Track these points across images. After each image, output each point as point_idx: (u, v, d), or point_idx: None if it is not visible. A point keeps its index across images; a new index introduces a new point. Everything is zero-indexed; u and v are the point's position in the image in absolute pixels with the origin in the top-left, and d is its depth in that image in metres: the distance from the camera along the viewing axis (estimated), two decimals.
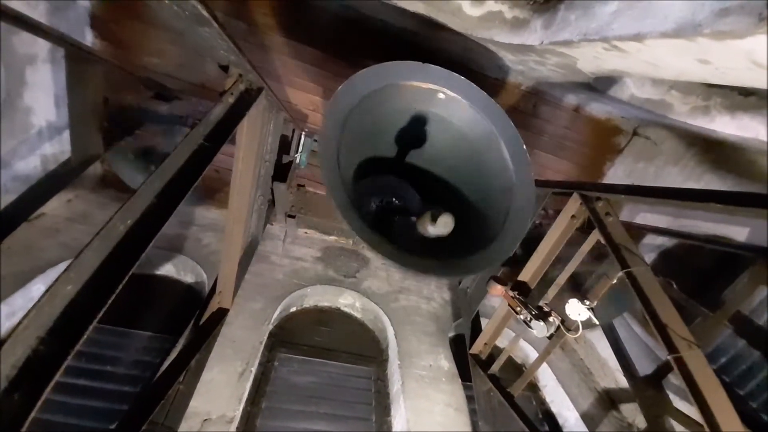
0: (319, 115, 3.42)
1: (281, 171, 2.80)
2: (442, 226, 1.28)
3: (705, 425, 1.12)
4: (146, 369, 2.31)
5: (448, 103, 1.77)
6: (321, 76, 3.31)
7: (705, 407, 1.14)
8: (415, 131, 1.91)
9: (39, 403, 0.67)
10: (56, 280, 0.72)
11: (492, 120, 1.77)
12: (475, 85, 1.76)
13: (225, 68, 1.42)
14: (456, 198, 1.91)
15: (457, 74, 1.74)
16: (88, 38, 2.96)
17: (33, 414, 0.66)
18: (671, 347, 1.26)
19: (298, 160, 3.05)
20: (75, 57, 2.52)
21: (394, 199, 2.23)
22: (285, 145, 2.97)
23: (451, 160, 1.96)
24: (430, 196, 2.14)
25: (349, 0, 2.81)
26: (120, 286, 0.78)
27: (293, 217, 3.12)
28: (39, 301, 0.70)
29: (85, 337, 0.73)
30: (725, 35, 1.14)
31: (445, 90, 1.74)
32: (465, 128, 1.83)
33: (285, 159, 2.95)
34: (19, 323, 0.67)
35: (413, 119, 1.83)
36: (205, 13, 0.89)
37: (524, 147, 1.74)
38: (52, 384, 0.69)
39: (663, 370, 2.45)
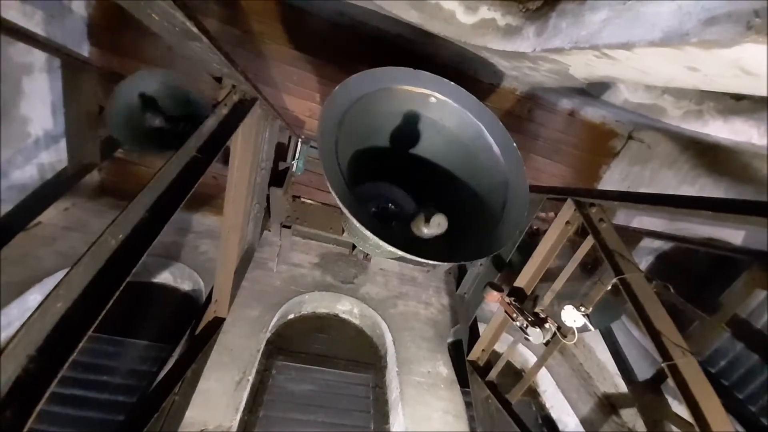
0: (316, 121, 3.43)
1: (278, 177, 2.80)
2: (435, 226, 1.29)
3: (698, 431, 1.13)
4: (142, 378, 2.30)
5: (439, 106, 1.83)
6: (317, 83, 3.33)
7: (698, 414, 1.14)
8: (408, 134, 1.95)
9: (30, 420, 0.67)
10: (46, 297, 0.72)
11: (482, 121, 1.83)
12: (464, 90, 1.82)
13: (218, 79, 1.43)
14: (452, 197, 1.96)
15: (446, 80, 1.80)
16: (85, 47, 2.97)
17: (25, 430, 0.66)
18: (665, 354, 1.26)
19: (294, 167, 3.05)
20: (71, 66, 2.53)
21: (390, 205, 2.24)
22: (282, 151, 2.98)
23: (445, 161, 2.02)
24: (426, 198, 2.17)
25: (345, 7, 2.83)
26: (110, 302, 0.78)
27: (289, 227, 3.12)
28: (29, 318, 0.70)
29: (76, 353, 0.73)
30: (712, 44, 1.15)
31: (436, 94, 1.80)
32: (457, 130, 1.88)
33: (281, 165, 2.95)
34: (10, 341, 0.67)
35: (406, 122, 1.88)
36: (194, 29, 0.90)
37: (514, 145, 1.81)
38: (43, 401, 0.69)
39: (662, 374, 2.45)
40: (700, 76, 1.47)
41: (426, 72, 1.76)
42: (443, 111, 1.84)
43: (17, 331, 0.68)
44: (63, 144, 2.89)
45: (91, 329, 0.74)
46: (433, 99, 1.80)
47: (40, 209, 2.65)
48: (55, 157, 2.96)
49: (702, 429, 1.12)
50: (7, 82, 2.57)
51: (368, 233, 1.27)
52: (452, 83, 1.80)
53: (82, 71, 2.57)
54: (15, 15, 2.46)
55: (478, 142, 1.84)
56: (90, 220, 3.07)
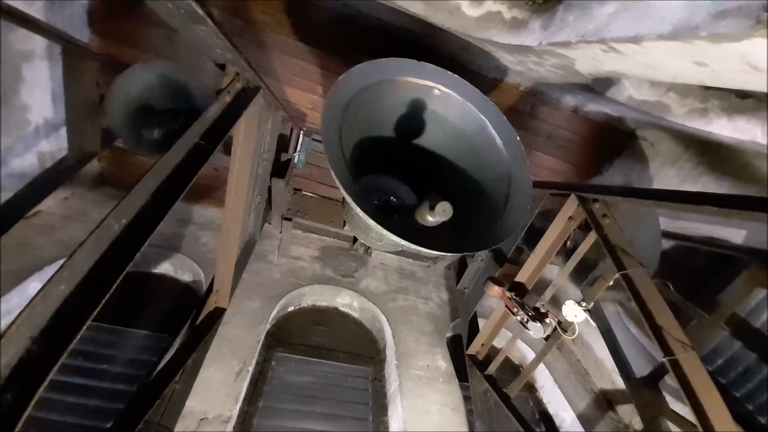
0: (318, 114, 3.41)
1: (280, 169, 2.79)
2: (440, 213, 1.29)
3: (699, 427, 1.13)
4: (142, 368, 2.31)
5: (443, 99, 1.83)
6: (320, 75, 3.30)
7: (699, 409, 1.15)
8: (411, 126, 1.96)
9: (32, 403, 0.67)
10: (50, 279, 0.72)
11: (486, 115, 1.84)
12: (467, 82, 1.83)
13: (222, 66, 1.41)
14: (455, 190, 1.96)
15: (450, 72, 1.80)
16: (85, 34, 2.94)
17: (26, 413, 0.66)
18: (666, 349, 1.26)
19: (296, 159, 3.04)
20: (72, 53, 2.51)
21: (392, 198, 2.24)
22: (283, 144, 2.97)
23: (448, 154, 2.03)
24: (428, 191, 2.19)
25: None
26: (114, 286, 0.78)
27: (289, 219, 3.11)
28: (32, 300, 0.69)
29: (79, 336, 0.73)
30: (722, 38, 1.14)
31: (440, 86, 1.81)
32: (460, 123, 1.89)
33: (283, 157, 2.94)
34: (13, 323, 0.67)
35: (409, 114, 1.88)
36: (200, 11, 0.88)
37: (517, 138, 1.82)
38: (45, 384, 0.68)
39: (659, 371, 2.45)
40: (708, 72, 1.46)
41: (430, 64, 1.76)
42: (447, 103, 1.84)
43: (20, 313, 0.68)
44: (63, 132, 2.86)
45: (95, 312, 0.74)
46: (437, 91, 1.81)
47: (40, 198, 2.64)
48: (55, 146, 2.94)
49: (702, 424, 1.12)
50: (7, 69, 2.55)
51: (372, 223, 1.27)
52: (456, 76, 1.81)
53: (83, 58, 2.54)
54: (16, 2, 2.43)
55: (481, 136, 1.85)
56: (90, 209, 3.06)
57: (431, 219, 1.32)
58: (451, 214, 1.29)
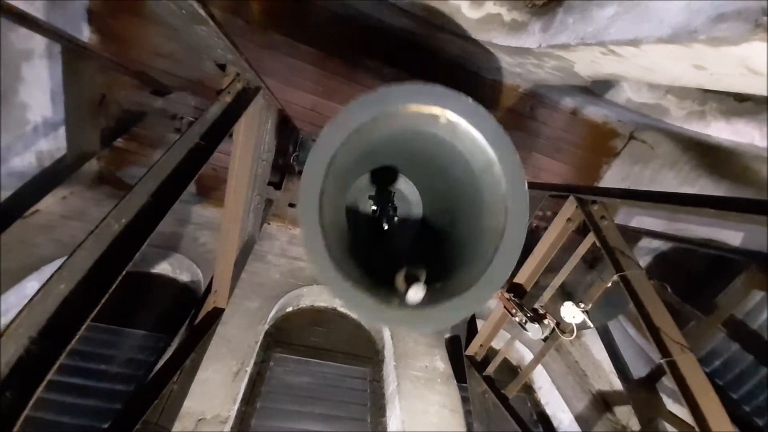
0: (318, 114, 3.41)
1: (279, 171, 2.79)
2: (412, 294, 1.18)
3: (696, 428, 1.13)
4: (140, 368, 2.30)
5: (450, 126, 1.56)
6: (320, 75, 3.31)
7: (697, 411, 1.15)
8: (411, 154, 1.72)
9: (31, 402, 0.67)
10: (49, 278, 0.72)
11: (496, 148, 1.52)
12: (483, 109, 1.52)
13: (222, 67, 1.41)
14: (445, 223, 1.83)
15: (464, 95, 1.51)
16: (85, 34, 2.94)
17: (25, 413, 0.66)
18: (664, 351, 1.26)
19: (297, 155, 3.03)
20: (71, 53, 2.50)
21: (389, 204, 2.16)
22: (282, 145, 2.96)
23: (446, 186, 1.75)
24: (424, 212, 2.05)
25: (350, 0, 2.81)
26: (113, 286, 0.78)
27: (294, 206, 3.11)
28: (32, 300, 0.69)
29: (78, 336, 0.72)
30: (720, 41, 1.15)
31: (448, 114, 1.51)
32: (467, 154, 1.59)
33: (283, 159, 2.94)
34: (12, 322, 0.67)
35: (410, 142, 1.59)
36: (201, 11, 0.89)
37: (525, 185, 1.51)
38: (44, 383, 0.68)
39: (657, 373, 2.47)
40: (706, 75, 1.47)
41: (439, 87, 1.46)
42: (453, 131, 1.58)
43: (19, 312, 0.68)
44: (62, 131, 2.86)
45: (94, 312, 0.74)
46: (444, 120, 1.53)
47: (39, 197, 2.64)
48: (54, 145, 2.94)
49: (700, 425, 1.13)
50: (6, 68, 2.54)
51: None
52: (470, 100, 1.48)
53: (83, 58, 2.54)
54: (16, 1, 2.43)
55: (486, 173, 1.54)
56: (88, 208, 3.05)
57: (400, 291, 1.19)
58: (420, 299, 1.15)
